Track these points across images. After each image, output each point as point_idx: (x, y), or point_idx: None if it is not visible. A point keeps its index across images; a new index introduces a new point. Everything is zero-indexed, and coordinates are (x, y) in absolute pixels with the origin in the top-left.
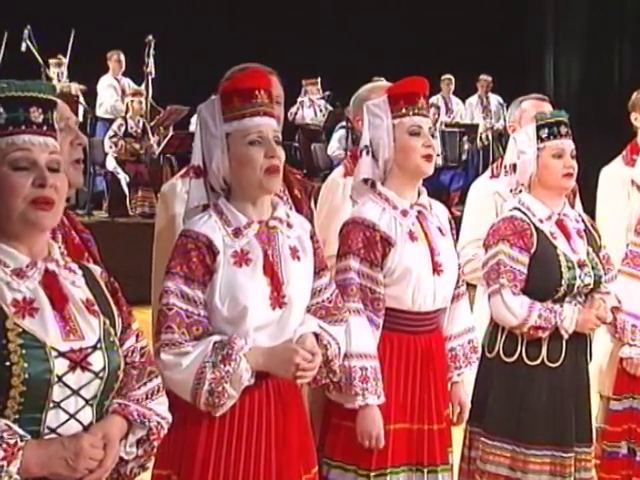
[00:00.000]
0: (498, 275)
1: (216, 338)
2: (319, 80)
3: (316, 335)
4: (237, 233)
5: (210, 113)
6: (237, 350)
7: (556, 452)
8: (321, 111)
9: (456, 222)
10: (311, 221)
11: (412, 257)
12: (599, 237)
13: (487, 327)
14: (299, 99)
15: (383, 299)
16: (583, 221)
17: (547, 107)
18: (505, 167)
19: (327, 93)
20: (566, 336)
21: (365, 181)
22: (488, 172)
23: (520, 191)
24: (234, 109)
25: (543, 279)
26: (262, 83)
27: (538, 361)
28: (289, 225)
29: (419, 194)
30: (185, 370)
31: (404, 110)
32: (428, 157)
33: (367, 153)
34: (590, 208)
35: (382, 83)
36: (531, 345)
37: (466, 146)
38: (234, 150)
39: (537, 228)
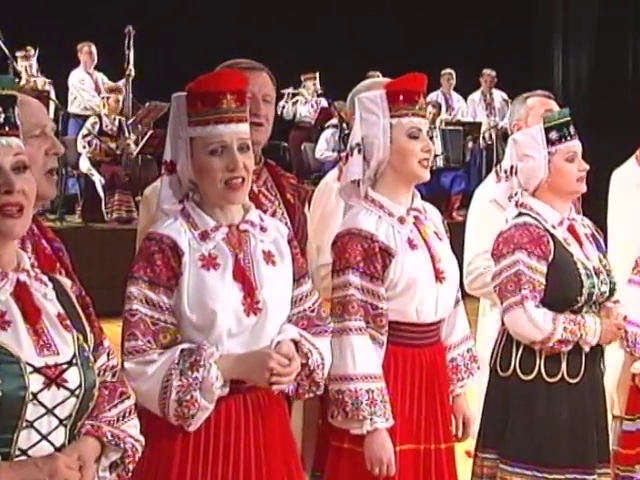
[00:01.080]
0: (518, 286)
1: (184, 345)
2: (317, 75)
3: (295, 343)
4: (204, 236)
5: (178, 109)
6: (206, 356)
7: (579, 475)
8: (316, 111)
9: (459, 228)
10: (304, 227)
11: (415, 267)
12: (605, 243)
13: (496, 343)
14: (288, 91)
15: (386, 314)
16: (589, 226)
17: (553, 105)
18: (505, 171)
19: (318, 87)
20: (587, 349)
21: (355, 183)
22: (492, 176)
23: (513, 195)
24: (198, 114)
25: (562, 289)
26: (230, 86)
27: (558, 377)
28: (262, 229)
29: (413, 198)
30: (150, 379)
31: (403, 110)
32: (425, 162)
33: (359, 152)
34: (599, 214)
35: (380, 79)
36: (550, 360)
37: (470, 145)
38: (197, 157)
39: (552, 235)
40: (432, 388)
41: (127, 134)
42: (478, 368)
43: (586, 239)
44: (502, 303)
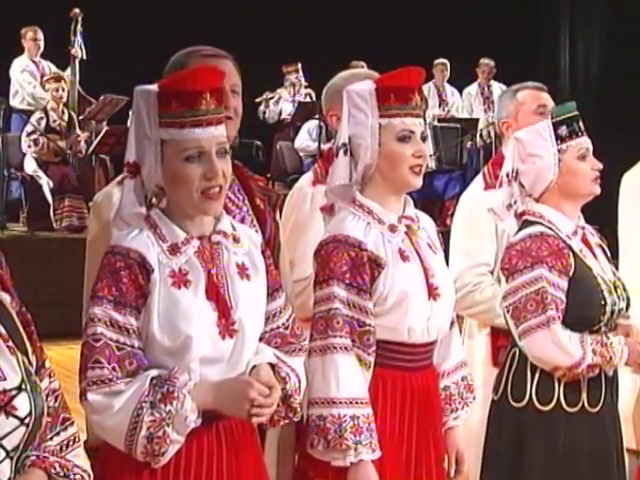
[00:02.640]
0: (542, 306)
1: (154, 373)
2: (299, 66)
3: (272, 366)
4: (174, 250)
5: (146, 106)
6: (180, 386)
7: None
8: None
9: (450, 237)
10: (277, 236)
11: (406, 280)
12: (612, 254)
13: (506, 370)
14: (264, 97)
15: (374, 332)
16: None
17: (547, 99)
18: (507, 175)
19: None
20: (610, 373)
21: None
22: (479, 180)
23: (512, 204)
24: (172, 114)
25: (584, 307)
26: (209, 84)
27: (578, 407)
28: (235, 239)
29: (405, 205)
30: (118, 413)
31: (395, 109)
32: (417, 169)
33: (345, 153)
34: (607, 221)
35: (362, 71)
36: (570, 388)
37: (469, 144)
38: (168, 163)
39: (569, 246)
40: (424, 417)
41: (78, 131)
42: (474, 399)
43: (598, 250)
44: (518, 325)
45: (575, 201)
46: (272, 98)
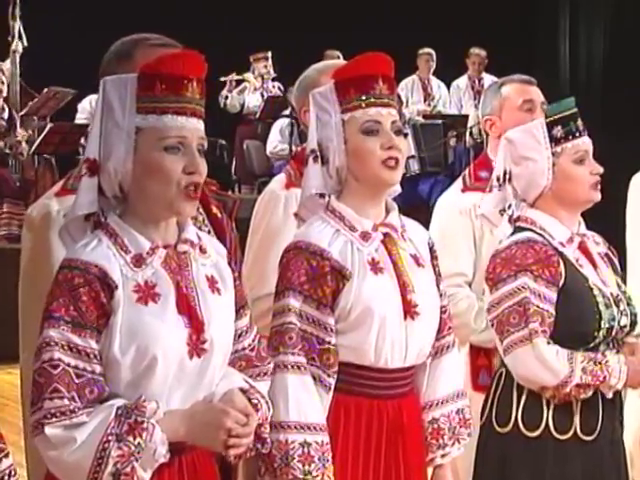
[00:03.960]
0: (525, 319)
1: (119, 402)
2: (269, 55)
3: (243, 392)
4: (139, 261)
5: (119, 94)
6: (148, 415)
7: None
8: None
9: None
10: (237, 247)
11: (374, 294)
12: (619, 266)
13: (491, 391)
14: (230, 78)
15: (335, 351)
16: (601, 243)
17: (536, 93)
18: (498, 178)
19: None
20: (609, 395)
21: (320, 196)
22: (458, 182)
23: (507, 207)
24: (154, 99)
25: (576, 322)
26: (196, 72)
27: (570, 433)
28: (202, 250)
29: (387, 211)
30: (81, 448)
31: (356, 100)
32: (391, 162)
33: (315, 160)
34: (613, 228)
35: (337, 62)
36: (560, 412)
37: (452, 143)
38: (144, 153)
39: (561, 254)
40: (394, 451)
41: (18, 129)
42: (469, 435)
43: (600, 260)
44: (502, 340)
45: (572, 208)
46: (239, 83)
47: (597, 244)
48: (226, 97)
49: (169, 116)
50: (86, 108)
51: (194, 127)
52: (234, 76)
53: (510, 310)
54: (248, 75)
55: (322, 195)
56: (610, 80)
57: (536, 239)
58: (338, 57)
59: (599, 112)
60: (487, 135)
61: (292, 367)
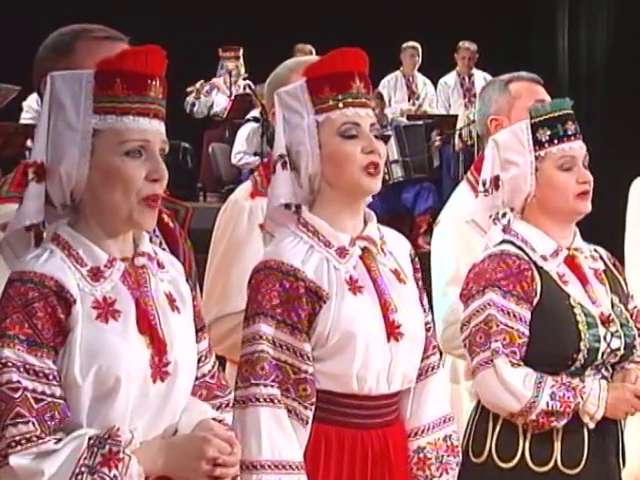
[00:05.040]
0: (487, 338)
1: (91, 432)
2: (241, 52)
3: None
4: (96, 275)
5: (72, 92)
6: (124, 445)
7: None
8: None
9: (427, 260)
10: (191, 261)
11: (354, 316)
12: (625, 282)
13: (470, 418)
14: (196, 87)
15: (312, 381)
16: (601, 258)
17: (544, 92)
18: (484, 183)
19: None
20: (591, 425)
21: (287, 207)
22: (465, 189)
23: (504, 215)
24: (114, 98)
25: (553, 342)
26: (159, 70)
27: (549, 466)
28: (159, 264)
29: (365, 222)
30: None
31: (332, 100)
32: (372, 168)
33: (284, 166)
34: (615, 237)
35: (310, 58)
36: (537, 442)
37: (437, 144)
38: (101, 158)
39: (540, 269)
40: None
41: None
42: (457, 464)
43: (594, 277)
44: (472, 362)
45: (558, 218)
46: (207, 90)
47: (594, 260)
48: (193, 104)
49: (131, 117)
50: (32, 107)
51: (157, 130)
52: (202, 84)
53: (477, 329)
54: (217, 81)
55: (288, 205)
56: (614, 76)
57: (510, 252)
58: (310, 52)
59: (601, 111)
60: (489, 136)
61: (265, 400)
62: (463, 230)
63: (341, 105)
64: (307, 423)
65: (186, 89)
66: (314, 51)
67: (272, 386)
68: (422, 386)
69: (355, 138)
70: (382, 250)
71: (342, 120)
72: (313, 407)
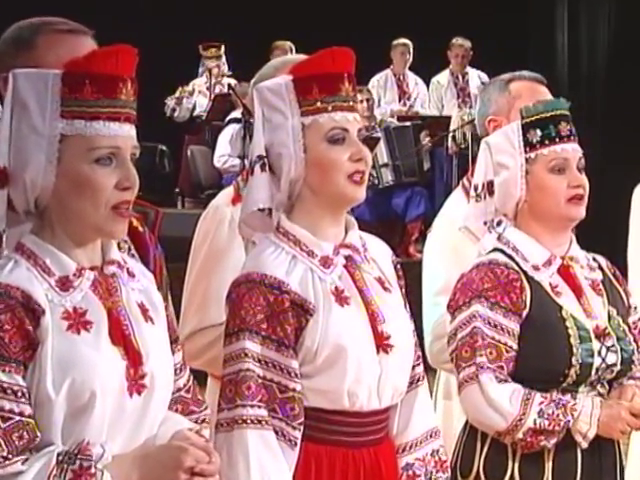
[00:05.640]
0: (473, 352)
1: (60, 448)
2: (222, 52)
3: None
4: (65, 285)
5: (36, 92)
6: (95, 460)
7: None
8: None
9: (419, 269)
10: (162, 269)
11: (343, 329)
12: (626, 293)
13: (459, 436)
14: (176, 96)
15: (300, 399)
16: (601, 268)
17: (547, 93)
18: (476, 188)
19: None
20: (584, 445)
21: (262, 211)
22: (459, 195)
23: (499, 223)
24: (82, 102)
25: (543, 357)
26: (130, 70)
27: None
28: (130, 273)
29: (346, 229)
30: None
31: (320, 102)
32: (358, 176)
33: (263, 168)
34: (616, 245)
35: (296, 57)
36: (528, 462)
37: (425, 141)
38: (69, 165)
39: (531, 279)
40: None
41: None
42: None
43: (591, 288)
44: (458, 377)
45: (549, 225)
46: (188, 92)
47: (591, 269)
48: (173, 109)
49: (101, 122)
50: None
51: (128, 135)
52: (181, 91)
53: (463, 342)
54: (198, 82)
55: (262, 210)
56: (616, 76)
57: (499, 261)
58: (290, 49)
59: (603, 112)
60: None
61: (252, 422)
62: (455, 238)
63: (330, 108)
64: (295, 445)
65: (165, 88)
66: (294, 48)
67: (259, 407)
68: (409, 399)
69: (343, 144)
70: (365, 258)
71: (330, 125)
72: (302, 427)
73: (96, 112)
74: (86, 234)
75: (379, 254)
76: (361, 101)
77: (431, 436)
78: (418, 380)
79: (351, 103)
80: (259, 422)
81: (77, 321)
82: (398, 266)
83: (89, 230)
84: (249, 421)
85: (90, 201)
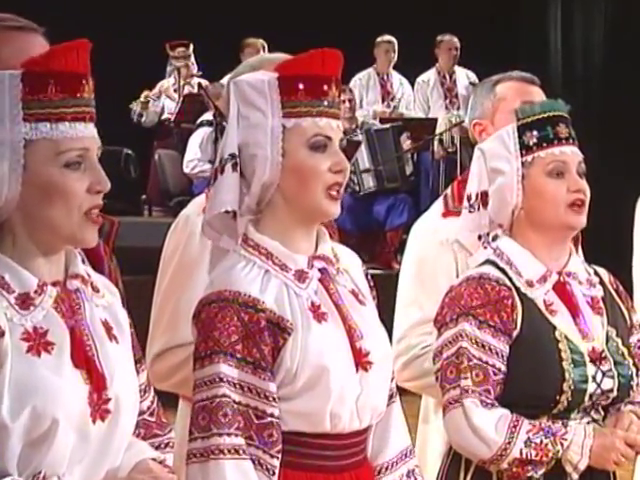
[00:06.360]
0: (458, 373)
1: (16, 479)
2: (191, 52)
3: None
4: (25, 303)
5: None
6: None
7: None
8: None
9: (397, 282)
10: (117, 282)
11: (323, 348)
12: (629, 311)
13: (443, 461)
14: (140, 100)
15: (278, 425)
16: (602, 283)
17: (538, 94)
18: (469, 198)
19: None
20: (574, 476)
21: (227, 214)
22: (439, 204)
23: (495, 237)
24: (46, 104)
25: (533, 381)
26: (87, 66)
27: None
28: (94, 288)
29: (317, 239)
30: None
31: (304, 106)
32: (335, 191)
33: (234, 167)
34: (617, 260)
35: (276, 56)
36: None
37: (406, 144)
38: (37, 172)
39: (523, 297)
40: None
41: None
42: None
43: (589, 306)
44: (442, 399)
45: (547, 235)
46: (155, 95)
47: (591, 285)
48: (140, 114)
49: (67, 124)
50: None
51: (92, 135)
52: (146, 96)
53: (448, 362)
54: (165, 84)
55: (230, 214)
56: (612, 74)
57: (490, 276)
58: (263, 47)
59: (599, 115)
60: (475, 143)
61: (229, 452)
62: (425, 249)
63: (314, 113)
64: (274, 474)
65: (131, 88)
66: (266, 46)
67: (236, 435)
68: (383, 417)
69: (324, 152)
70: (338, 270)
71: (314, 130)
72: (280, 455)
73: (62, 113)
74: (55, 244)
75: (350, 265)
76: (343, 101)
77: (406, 455)
78: (392, 396)
79: (336, 110)
80: (236, 452)
81: (38, 342)
82: (369, 277)
83: (60, 239)
84: (226, 451)
85: (62, 208)
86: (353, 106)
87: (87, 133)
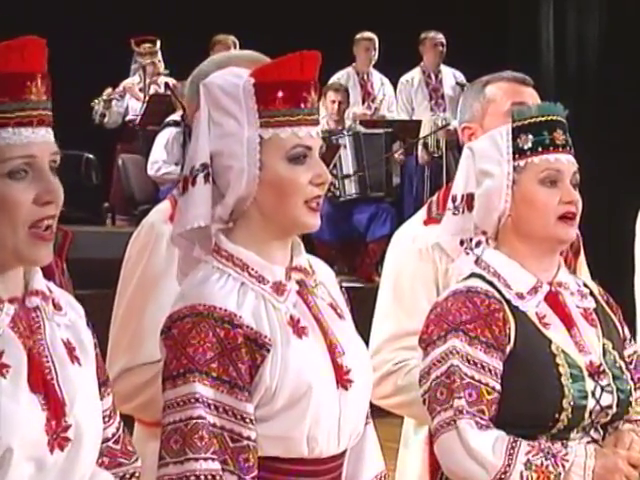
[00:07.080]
0: (450, 394)
1: None
2: (158, 48)
3: None
4: None
5: None
6: None
7: None
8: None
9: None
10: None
11: (305, 365)
12: (621, 323)
13: None
14: (102, 98)
15: (255, 448)
16: (593, 295)
17: (530, 96)
18: (454, 199)
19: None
20: None
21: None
22: (422, 211)
23: (479, 244)
24: None
25: (530, 399)
26: (40, 65)
27: None
28: (55, 305)
29: (292, 251)
30: None
31: (283, 114)
32: (315, 203)
33: (206, 179)
34: (620, 271)
35: (245, 53)
36: None
37: (398, 153)
38: None
39: (515, 309)
40: None
41: None
42: None
43: (583, 318)
44: (432, 423)
45: (535, 246)
46: (119, 95)
47: (582, 296)
48: (103, 115)
49: (10, 130)
50: None
51: (43, 140)
52: (109, 93)
53: (438, 383)
54: (130, 83)
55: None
56: (607, 73)
57: (478, 289)
58: (234, 44)
59: (593, 115)
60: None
61: (205, 477)
62: (403, 259)
63: (294, 122)
64: None
65: (92, 88)
66: (237, 43)
67: (212, 460)
68: (359, 440)
69: (304, 164)
70: (316, 282)
71: (293, 142)
72: (255, 478)
73: (4, 118)
74: (5, 261)
75: (326, 277)
76: (333, 101)
77: (380, 479)
78: (367, 417)
79: (315, 116)
80: (213, 477)
81: None
82: (344, 289)
83: (8, 256)
84: (202, 477)
85: (7, 223)
86: (343, 109)
87: (34, 139)
